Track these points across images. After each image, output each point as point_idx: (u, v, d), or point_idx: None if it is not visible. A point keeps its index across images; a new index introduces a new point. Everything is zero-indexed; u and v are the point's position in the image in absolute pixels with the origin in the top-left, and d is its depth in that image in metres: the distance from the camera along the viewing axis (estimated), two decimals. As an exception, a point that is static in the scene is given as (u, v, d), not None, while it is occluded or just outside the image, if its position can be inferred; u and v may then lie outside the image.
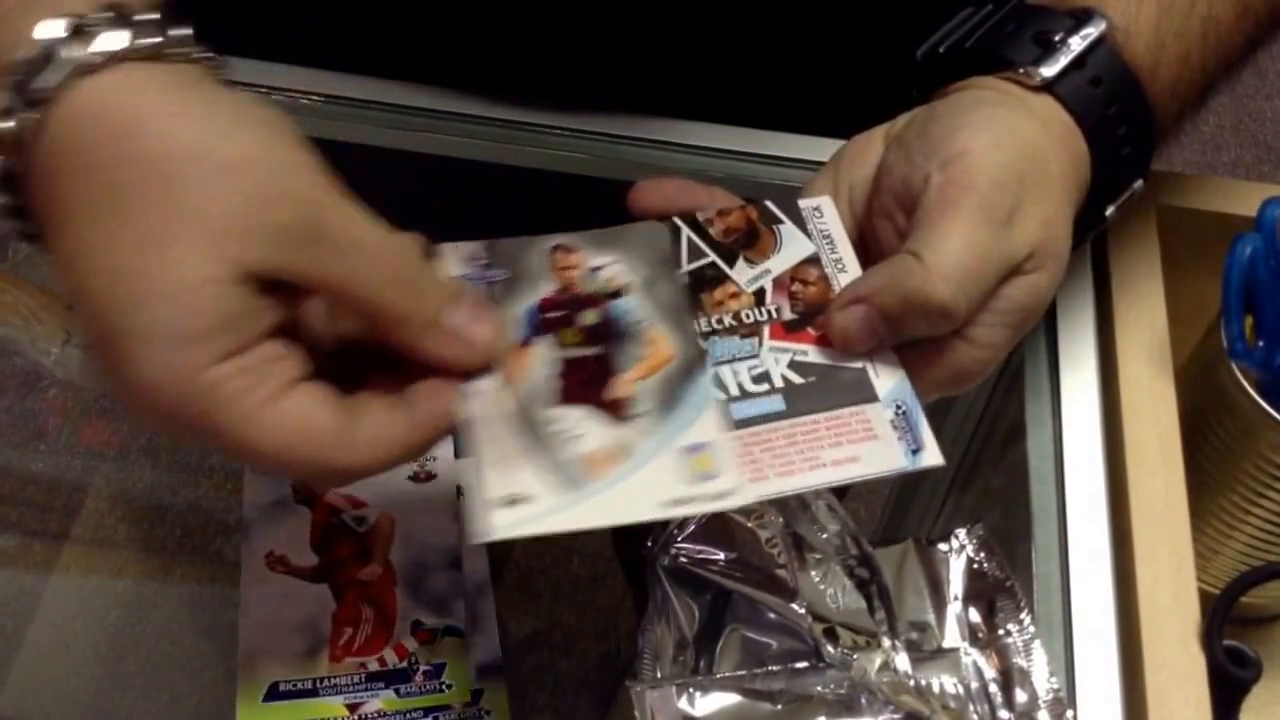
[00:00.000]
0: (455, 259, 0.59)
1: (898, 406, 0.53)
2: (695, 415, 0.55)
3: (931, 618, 0.64)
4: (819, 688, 0.60)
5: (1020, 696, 0.60)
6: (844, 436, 0.53)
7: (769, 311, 0.58)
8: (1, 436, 1.31)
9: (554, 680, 0.97)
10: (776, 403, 0.55)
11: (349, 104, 0.79)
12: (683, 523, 0.63)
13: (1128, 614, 0.61)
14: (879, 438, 0.53)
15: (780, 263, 0.59)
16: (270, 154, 0.47)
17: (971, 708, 0.60)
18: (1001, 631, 0.62)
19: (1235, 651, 0.60)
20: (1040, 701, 0.60)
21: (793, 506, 0.64)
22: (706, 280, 0.59)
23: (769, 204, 0.61)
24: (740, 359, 0.56)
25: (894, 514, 0.92)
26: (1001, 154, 0.54)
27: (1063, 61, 0.57)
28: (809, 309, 0.57)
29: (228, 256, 0.45)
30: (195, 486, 0.97)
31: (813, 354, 0.56)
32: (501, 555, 0.75)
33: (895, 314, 0.53)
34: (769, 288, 0.58)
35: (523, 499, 0.52)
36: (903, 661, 0.60)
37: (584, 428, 0.55)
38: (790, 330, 0.57)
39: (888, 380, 0.54)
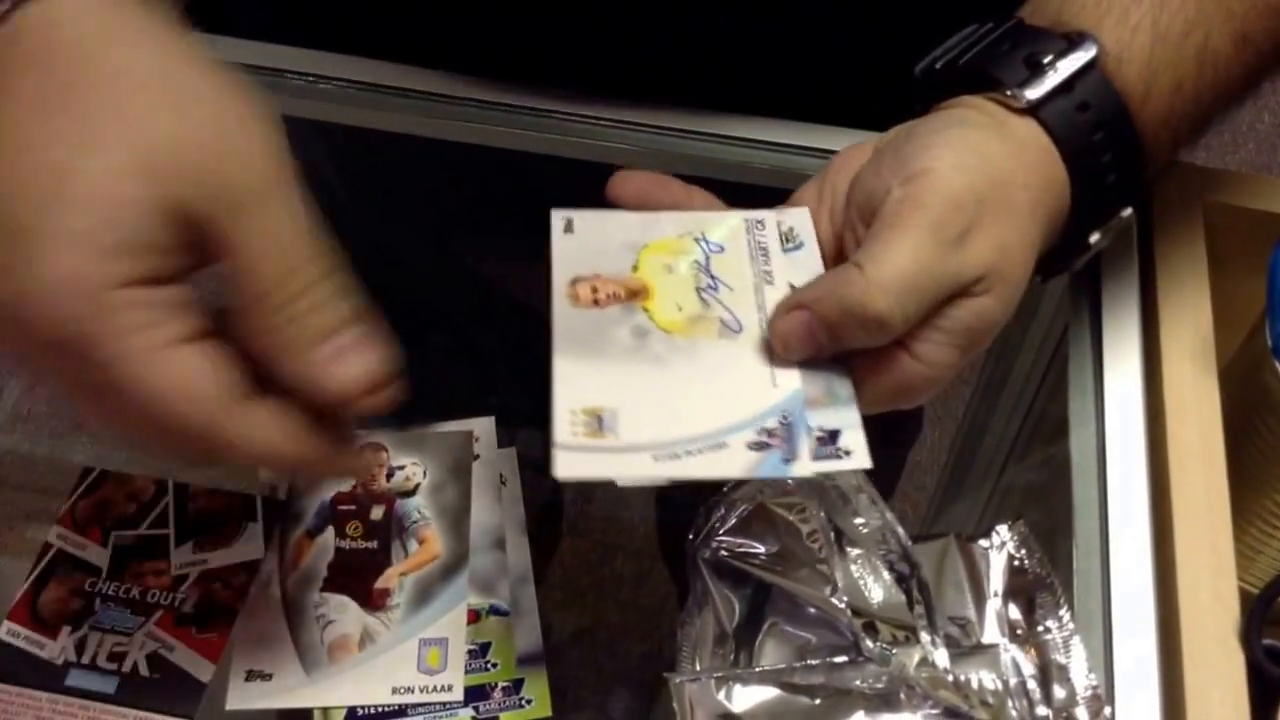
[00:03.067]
0: None
1: (783, 416, 0.53)
2: (441, 613, 0.64)
3: (971, 613, 0.64)
4: (858, 682, 0.60)
5: (1059, 693, 0.60)
6: None
7: (173, 598, 0.63)
8: (42, 428, 1.32)
9: (596, 676, 0.97)
10: (108, 684, 0.61)
11: (378, 90, 0.79)
12: (724, 515, 0.64)
13: (1167, 612, 0.61)
14: None
15: (224, 557, 0.65)
16: (229, 112, 0.47)
17: (1010, 703, 0.60)
18: (1041, 628, 0.62)
19: (1275, 650, 0.60)
20: (1079, 698, 0.60)
21: (834, 500, 0.64)
22: (145, 550, 0.65)
23: (258, 498, 0.68)
24: (117, 631, 0.62)
25: (938, 511, 0.92)
26: (962, 176, 0.54)
27: (1049, 84, 0.57)
28: (210, 610, 0.64)
29: (160, 184, 0.44)
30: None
31: (176, 654, 0.62)
32: (546, 553, 0.75)
33: (833, 322, 0.53)
34: (192, 577, 0.64)
35: (263, 676, 0.62)
36: (942, 657, 0.60)
37: (338, 614, 0.64)
38: (177, 624, 0.63)
39: (785, 389, 0.54)
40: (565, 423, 0.51)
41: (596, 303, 0.57)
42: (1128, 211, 0.61)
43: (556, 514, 1.20)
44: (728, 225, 0.60)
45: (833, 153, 0.62)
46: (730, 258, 0.59)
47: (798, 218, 0.60)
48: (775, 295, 0.57)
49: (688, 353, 0.55)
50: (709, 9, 0.76)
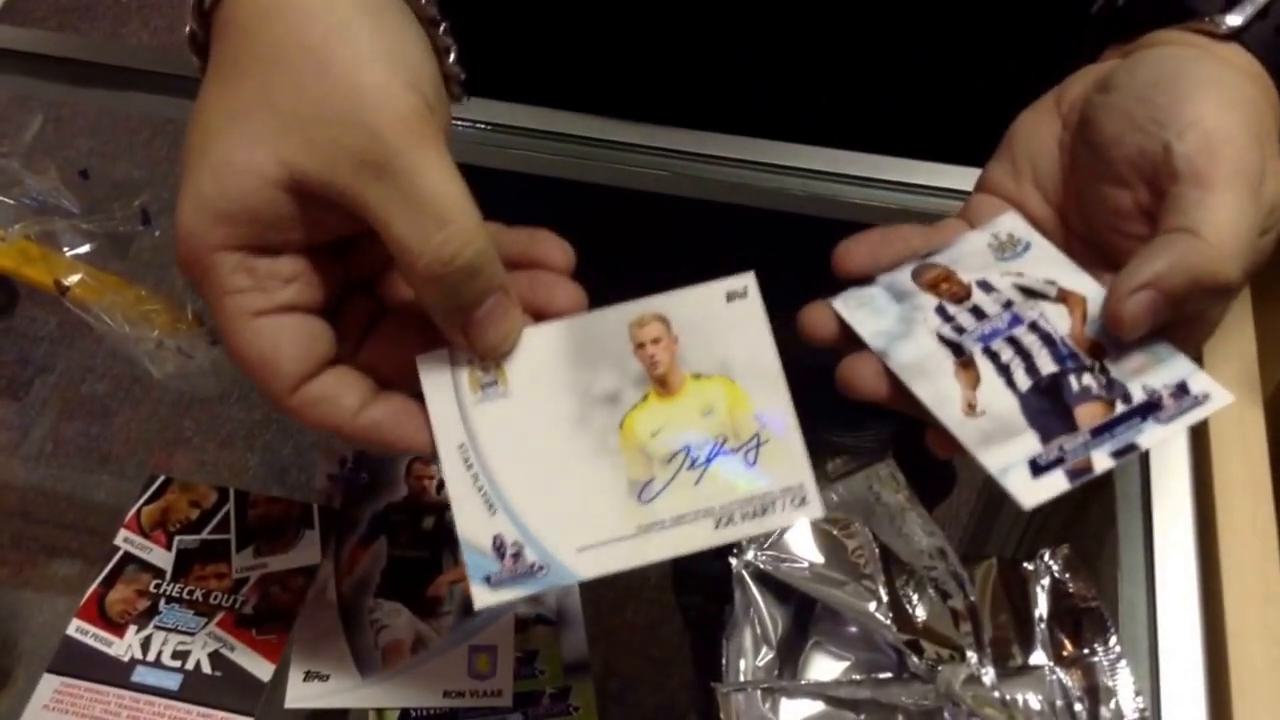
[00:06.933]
0: (324, 461, 0.71)
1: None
2: (490, 620, 0.65)
3: (1014, 634, 0.63)
4: (904, 698, 0.60)
5: (1105, 715, 0.60)
6: None
7: (234, 600, 0.66)
8: (68, 462, 1.32)
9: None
10: (172, 681, 0.64)
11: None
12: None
13: (1214, 638, 0.61)
14: None
15: (283, 562, 0.68)
16: (368, 81, 0.47)
17: (1057, 723, 0.60)
18: (1087, 650, 0.62)
19: (1326, 676, 0.59)
20: None
21: (880, 517, 0.64)
22: (208, 554, 0.68)
23: (315, 507, 0.70)
24: (180, 631, 0.66)
25: (975, 535, 0.91)
26: (1233, 114, 0.53)
27: (1249, 10, 0.57)
28: (269, 613, 0.66)
29: (280, 158, 0.46)
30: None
31: (237, 654, 0.65)
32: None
33: (1180, 295, 0.51)
34: (252, 580, 0.67)
35: (320, 677, 0.63)
36: (989, 675, 0.60)
37: (391, 619, 0.65)
38: (237, 625, 0.66)
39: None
40: None
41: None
42: None
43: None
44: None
45: (922, 187, 0.62)
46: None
47: (1010, 223, 0.58)
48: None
49: None
50: (781, 40, 0.76)
